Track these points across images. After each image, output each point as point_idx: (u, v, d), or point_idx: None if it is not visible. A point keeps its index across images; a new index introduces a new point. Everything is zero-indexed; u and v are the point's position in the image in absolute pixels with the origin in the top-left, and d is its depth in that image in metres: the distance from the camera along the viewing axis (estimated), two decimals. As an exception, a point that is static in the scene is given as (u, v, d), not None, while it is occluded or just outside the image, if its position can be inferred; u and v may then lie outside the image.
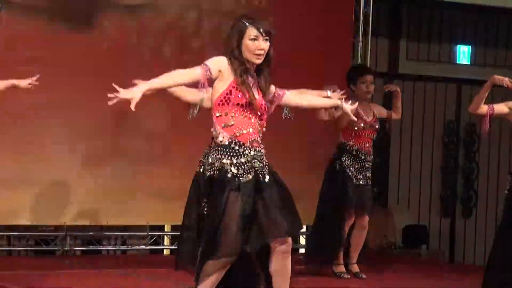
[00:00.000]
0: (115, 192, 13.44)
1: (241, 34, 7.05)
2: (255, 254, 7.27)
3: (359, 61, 14.39)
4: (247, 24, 7.08)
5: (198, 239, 7.35)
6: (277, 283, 7.22)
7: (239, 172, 7.05)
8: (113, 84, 7.22)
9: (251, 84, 7.01)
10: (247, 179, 7.05)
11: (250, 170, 7.07)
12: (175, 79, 7.14)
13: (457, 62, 16.55)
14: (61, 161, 13.16)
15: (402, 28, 16.16)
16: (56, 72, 12.52)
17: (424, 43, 16.32)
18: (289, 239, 7.18)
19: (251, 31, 6.99)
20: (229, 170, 7.06)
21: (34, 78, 8.81)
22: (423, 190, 16.06)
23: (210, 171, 7.24)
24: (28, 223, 13.20)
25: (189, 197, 7.69)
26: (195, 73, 6.91)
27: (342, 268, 11.62)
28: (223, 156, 7.13)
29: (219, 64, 6.99)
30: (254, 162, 7.09)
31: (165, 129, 13.64)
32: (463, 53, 16.54)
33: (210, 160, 7.26)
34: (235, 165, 7.12)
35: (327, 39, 14.07)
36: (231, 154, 7.13)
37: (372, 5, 14.78)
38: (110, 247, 14.12)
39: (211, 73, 6.88)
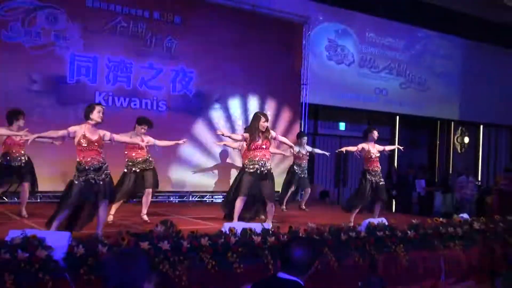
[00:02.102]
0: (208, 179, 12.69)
1: (258, 119, 7.95)
2: (260, 202, 8.27)
3: (303, 129, 13.59)
4: (261, 116, 8.00)
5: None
6: (269, 214, 8.12)
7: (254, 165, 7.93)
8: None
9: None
10: (253, 170, 7.91)
11: (254, 168, 7.89)
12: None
13: (340, 129, 16.27)
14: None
15: (319, 115, 15.57)
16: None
17: (327, 121, 15.94)
18: (272, 200, 8.18)
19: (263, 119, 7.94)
20: (247, 167, 8.00)
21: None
22: (328, 175, 15.94)
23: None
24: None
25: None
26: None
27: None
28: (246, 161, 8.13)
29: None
30: (255, 165, 7.90)
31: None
32: (342, 125, 16.32)
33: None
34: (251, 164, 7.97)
35: (288, 120, 13.44)
36: (250, 160, 7.97)
37: (309, 106, 14.03)
38: (206, 199, 13.05)
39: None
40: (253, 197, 8.15)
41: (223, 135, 8.35)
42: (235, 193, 8.05)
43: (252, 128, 8.05)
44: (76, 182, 6.44)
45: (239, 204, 7.95)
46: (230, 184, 12.33)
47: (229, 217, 8.13)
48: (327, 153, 11.84)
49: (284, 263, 3.46)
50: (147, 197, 8.74)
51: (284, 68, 13.67)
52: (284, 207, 11.32)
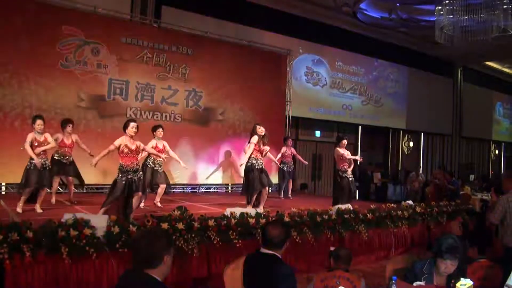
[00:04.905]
0: (214, 174, 12.36)
1: (255, 127, 8.18)
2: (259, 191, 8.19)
3: (286, 135, 13.02)
4: (257, 125, 8.21)
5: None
6: (262, 200, 8.17)
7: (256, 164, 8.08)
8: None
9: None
10: (259, 167, 8.07)
11: (259, 165, 8.08)
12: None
13: (316, 136, 16.06)
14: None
15: (299, 125, 15.30)
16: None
17: (305, 130, 15.72)
18: (267, 187, 8.23)
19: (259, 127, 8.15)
20: (253, 164, 8.09)
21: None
22: (306, 172, 15.59)
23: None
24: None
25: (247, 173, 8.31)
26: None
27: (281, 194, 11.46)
28: (252, 160, 8.14)
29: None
30: (259, 163, 8.09)
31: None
32: (317, 133, 16.04)
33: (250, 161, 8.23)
34: (257, 163, 8.13)
35: (275, 129, 12.63)
36: (255, 160, 8.10)
37: (291, 118, 13.87)
38: (212, 190, 12.45)
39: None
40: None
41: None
42: (261, 185, 8.24)
43: (255, 134, 8.29)
44: (119, 181, 6.50)
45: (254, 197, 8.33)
46: (230, 178, 12.56)
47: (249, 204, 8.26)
48: (306, 162, 11.90)
49: (264, 241, 3.51)
50: (162, 190, 8.73)
51: (273, 89, 13.60)
52: (282, 196, 11.43)
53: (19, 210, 7.04)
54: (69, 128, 8.31)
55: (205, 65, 12.22)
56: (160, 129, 8.76)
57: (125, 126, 6.73)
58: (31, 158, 7.23)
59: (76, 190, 8.86)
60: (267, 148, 8.50)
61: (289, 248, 3.64)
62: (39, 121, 7.35)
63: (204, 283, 5.65)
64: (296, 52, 14.69)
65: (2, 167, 9.28)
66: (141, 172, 6.87)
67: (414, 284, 3.61)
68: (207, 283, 5.64)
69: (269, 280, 3.33)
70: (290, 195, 11.62)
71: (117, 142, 6.58)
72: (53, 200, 8.21)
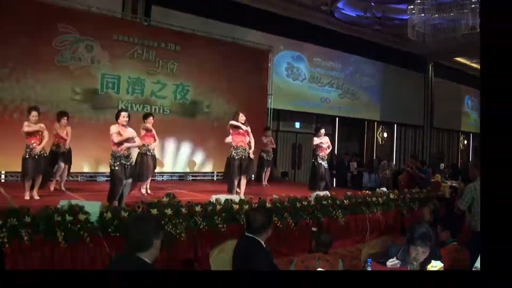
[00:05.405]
0: (200, 162, 12.48)
1: (237, 114, 8.10)
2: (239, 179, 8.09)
3: (268, 125, 12.83)
4: (240, 113, 8.10)
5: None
6: (242, 186, 8.06)
7: (237, 152, 7.94)
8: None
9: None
10: (239, 155, 7.90)
11: (241, 152, 7.91)
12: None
13: (296, 127, 16.05)
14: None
15: (280, 117, 15.23)
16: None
17: (286, 121, 15.75)
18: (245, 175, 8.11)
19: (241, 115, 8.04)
20: (233, 152, 7.97)
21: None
22: (287, 160, 15.64)
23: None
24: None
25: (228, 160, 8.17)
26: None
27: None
28: (232, 149, 8.00)
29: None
30: (242, 151, 7.91)
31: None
32: (297, 124, 15.89)
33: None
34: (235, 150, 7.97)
35: (257, 120, 12.42)
36: (235, 148, 7.96)
37: (273, 110, 13.95)
38: (208, 177, 12.52)
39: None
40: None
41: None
42: (238, 173, 8.03)
43: (235, 120, 8.08)
44: (114, 169, 6.47)
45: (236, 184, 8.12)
46: (215, 166, 12.55)
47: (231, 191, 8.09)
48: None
49: (247, 225, 3.66)
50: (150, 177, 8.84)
51: (255, 83, 13.63)
52: (265, 183, 11.43)
53: (27, 197, 7.08)
54: (63, 120, 8.30)
55: (192, 60, 12.22)
56: (151, 118, 8.60)
57: (117, 116, 6.74)
58: (27, 147, 7.22)
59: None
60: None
61: (271, 233, 3.71)
62: (34, 113, 7.30)
63: (191, 265, 5.71)
64: (277, 48, 14.69)
65: (2, 157, 9.33)
66: (132, 159, 6.79)
67: (388, 262, 3.65)
68: (194, 265, 5.69)
69: (244, 261, 3.45)
70: (266, 183, 11.53)
71: (114, 130, 6.55)
72: (52, 187, 8.26)
